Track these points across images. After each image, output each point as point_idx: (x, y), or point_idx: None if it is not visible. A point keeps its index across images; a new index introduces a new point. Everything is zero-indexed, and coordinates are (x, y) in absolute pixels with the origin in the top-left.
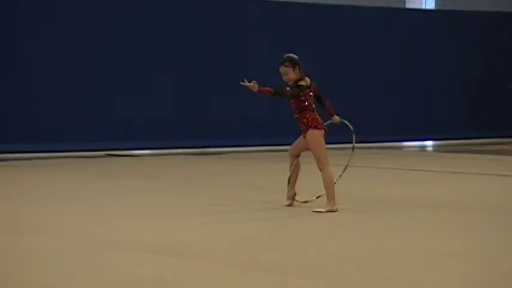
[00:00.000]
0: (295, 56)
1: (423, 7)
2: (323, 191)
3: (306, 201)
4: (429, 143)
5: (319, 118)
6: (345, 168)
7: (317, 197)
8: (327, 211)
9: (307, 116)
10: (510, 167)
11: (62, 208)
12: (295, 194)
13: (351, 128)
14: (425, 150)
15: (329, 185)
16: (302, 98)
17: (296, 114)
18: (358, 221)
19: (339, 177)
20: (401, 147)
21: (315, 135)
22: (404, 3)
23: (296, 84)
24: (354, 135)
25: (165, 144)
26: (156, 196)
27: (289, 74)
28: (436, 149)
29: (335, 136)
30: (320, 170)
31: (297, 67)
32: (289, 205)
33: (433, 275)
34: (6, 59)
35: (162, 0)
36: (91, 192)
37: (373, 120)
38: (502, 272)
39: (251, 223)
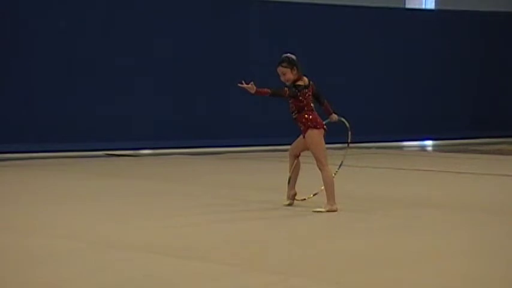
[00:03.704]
0: (293, 56)
1: (423, 7)
2: (320, 189)
3: (303, 199)
4: (429, 143)
5: (318, 118)
6: (340, 164)
7: (314, 194)
8: (327, 211)
9: (306, 116)
10: (510, 167)
11: (62, 208)
12: (295, 194)
13: (348, 125)
14: (425, 150)
15: (329, 185)
16: (300, 98)
17: (295, 114)
18: (358, 221)
19: (335, 174)
20: (401, 147)
21: (315, 135)
22: (404, 3)
23: (294, 85)
24: (349, 133)
25: (165, 144)
26: (156, 196)
27: (287, 75)
28: (436, 149)
29: (335, 136)
30: (320, 169)
31: (294, 67)
32: (289, 205)
33: (433, 274)
34: (6, 59)
35: (163, 1)
36: (91, 192)
37: (373, 120)
38: (502, 272)
39: (251, 223)
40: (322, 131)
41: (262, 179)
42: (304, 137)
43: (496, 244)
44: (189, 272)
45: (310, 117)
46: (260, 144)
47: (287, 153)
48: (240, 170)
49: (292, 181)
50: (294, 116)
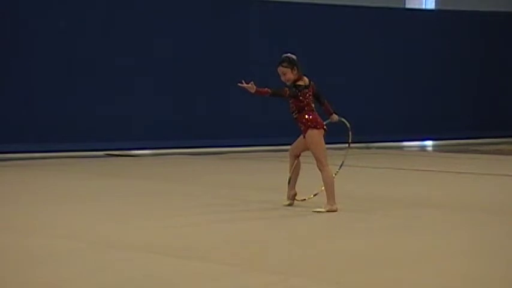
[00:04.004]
0: (293, 56)
1: (423, 7)
2: (320, 189)
3: (303, 199)
4: (429, 143)
5: (318, 118)
6: (341, 164)
7: (314, 195)
8: (327, 211)
9: (306, 116)
10: (510, 167)
11: (62, 208)
12: (295, 194)
13: (348, 126)
14: (425, 150)
15: (329, 185)
16: (301, 98)
17: (295, 114)
18: (358, 220)
19: (335, 174)
20: (401, 147)
21: (315, 135)
22: (404, 3)
23: (294, 85)
24: (350, 133)
25: (165, 144)
26: (156, 196)
27: (287, 75)
28: (436, 149)
29: (335, 136)
30: (320, 170)
31: (295, 67)
32: (290, 205)
33: (433, 274)
34: (6, 59)
35: (163, 1)
36: (91, 192)
37: (373, 120)
38: (502, 272)
39: (251, 223)
40: (322, 131)
41: (262, 179)
42: (304, 137)
43: (496, 244)
44: (189, 272)
45: (311, 117)
46: (260, 144)
47: (287, 153)
48: (240, 170)
49: (292, 181)
50: (295, 116)
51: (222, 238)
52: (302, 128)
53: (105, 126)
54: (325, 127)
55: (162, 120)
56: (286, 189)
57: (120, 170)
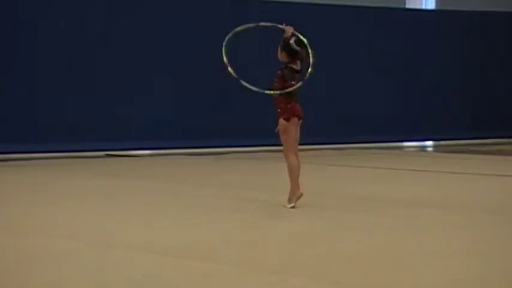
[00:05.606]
0: (296, 47)
1: (423, 7)
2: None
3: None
4: (429, 143)
5: (298, 107)
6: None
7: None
8: (296, 199)
9: (286, 103)
10: (510, 167)
11: (62, 208)
12: (301, 195)
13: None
14: (425, 150)
15: (291, 174)
16: (294, 66)
17: (275, 94)
18: (358, 220)
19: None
20: (401, 147)
21: (286, 126)
22: (404, 3)
23: (286, 66)
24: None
25: (165, 145)
26: (156, 196)
27: (278, 53)
28: (436, 149)
29: (334, 136)
30: (285, 157)
31: (283, 52)
32: (292, 207)
33: (433, 274)
34: (6, 59)
35: (163, 1)
36: (91, 192)
37: (373, 120)
38: (502, 272)
39: (251, 223)
40: (296, 119)
41: (262, 179)
42: (277, 123)
43: (496, 244)
44: (189, 272)
45: (288, 106)
46: (260, 144)
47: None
48: (240, 170)
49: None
50: (277, 94)
51: (222, 238)
52: (278, 111)
53: (105, 126)
54: (301, 115)
55: (162, 120)
56: (286, 189)
57: (120, 170)
